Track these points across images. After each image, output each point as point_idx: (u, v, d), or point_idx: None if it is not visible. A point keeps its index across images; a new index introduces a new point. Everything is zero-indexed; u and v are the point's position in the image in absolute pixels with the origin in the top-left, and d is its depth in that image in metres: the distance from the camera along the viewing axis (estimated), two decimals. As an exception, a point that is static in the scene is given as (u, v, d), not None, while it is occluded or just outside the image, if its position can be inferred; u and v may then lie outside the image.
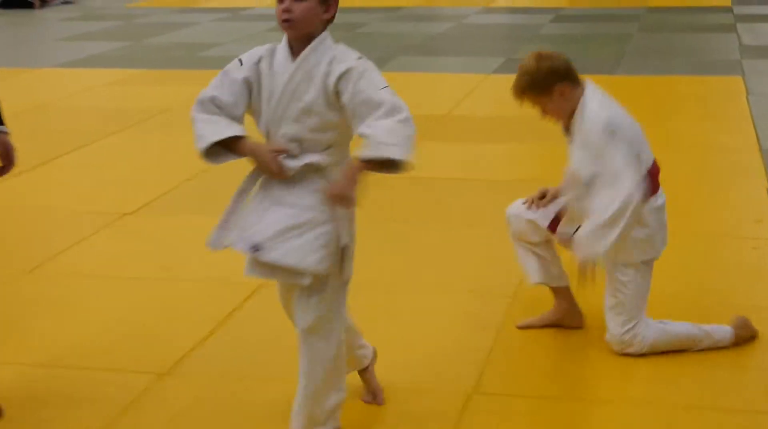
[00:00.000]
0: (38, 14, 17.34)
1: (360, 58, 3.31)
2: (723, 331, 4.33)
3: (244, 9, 17.25)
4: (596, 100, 4.11)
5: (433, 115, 8.69)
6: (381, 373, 3.93)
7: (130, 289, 5.05)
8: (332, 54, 3.33)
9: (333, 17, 3.40)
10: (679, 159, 6.99)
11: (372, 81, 3.24)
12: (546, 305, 4.53)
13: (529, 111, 4.28)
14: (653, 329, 4.23)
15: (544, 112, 4.20)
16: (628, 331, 4.19)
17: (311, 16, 3.31)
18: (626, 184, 3.92)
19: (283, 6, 3.25)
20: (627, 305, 4.18)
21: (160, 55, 12.47)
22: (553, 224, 4.34)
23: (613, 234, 3.91)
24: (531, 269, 4.46)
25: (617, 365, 4.16)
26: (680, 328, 4.29)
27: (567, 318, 4.53)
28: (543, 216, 4.37)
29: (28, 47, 13.84)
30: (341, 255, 3.36)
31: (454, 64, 11.52)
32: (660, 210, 4.20)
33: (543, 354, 4.34)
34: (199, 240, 5.69)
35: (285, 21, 3.26)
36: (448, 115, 8.78)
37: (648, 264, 4.22)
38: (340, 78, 3.24)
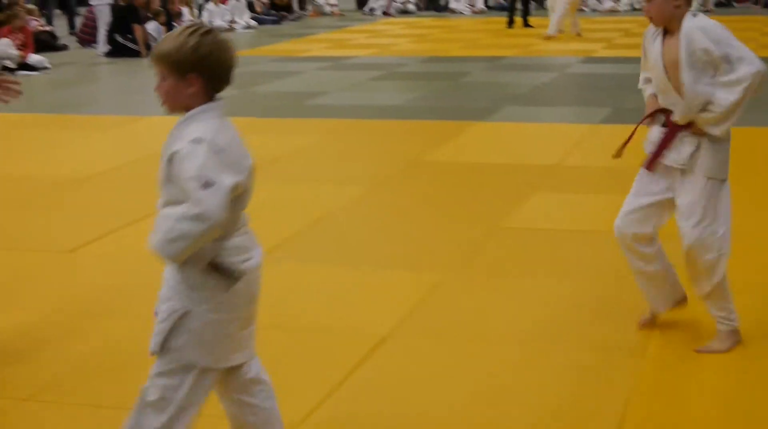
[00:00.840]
0: (144, 63, 17.68)
1: (195, 140, 3.20)
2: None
3: (347, 58, 17.42)
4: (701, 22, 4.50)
5: (543, 166, 8.66)
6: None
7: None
8: (184, 130, 3.27)
9: (206, 90, 3.30)
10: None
11: (186, 168, 3.18)
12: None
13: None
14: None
15: (649, 7, 4.54)
16: (705, 228, 4.55)
17: (174, 94, 3.30)
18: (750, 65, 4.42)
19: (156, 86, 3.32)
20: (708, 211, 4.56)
21: (267, 104, 12.63)
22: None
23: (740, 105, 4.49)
24: (654, 299, 4.92)
25: None
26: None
27: None
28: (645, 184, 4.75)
29: (136, 96, 14.11)
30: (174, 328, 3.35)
31: (561, 114, 11.48)
32: None
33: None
34: (320, 289, 5.77)
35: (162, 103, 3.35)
36: (557, 165, 8.73)
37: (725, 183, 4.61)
38: (170, 158, 3.25)
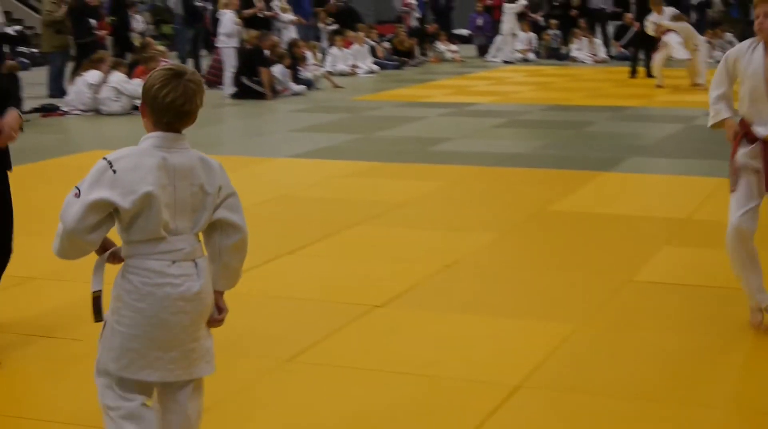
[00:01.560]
0: (270, 105, 17.97)
1: (105, 157, 3.56)
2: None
3: (469, 105, 17.46)
4: None
5: (673, 219, 8.54)
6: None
7: (386, 383, 5.09)
8: None
9: (153, 121, 3.63)
10: None
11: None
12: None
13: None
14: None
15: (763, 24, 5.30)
16: None
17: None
18: None
19: None
20: None
21: (390, 148, 12.70)
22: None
23: None
24: (759, 292, 5.67)
25: None
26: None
27: None
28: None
29: (261, 137, 14.34)
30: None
31: (687, 167, 11.30)
32: None
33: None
34: (451, 337, 5.76)
35: None
36: (688, 219, 8.60)
37: None
38: None
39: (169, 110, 3.56)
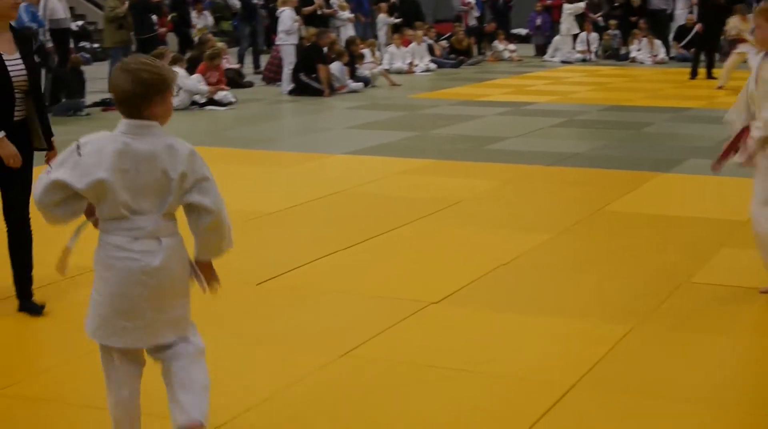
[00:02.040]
0: (327, 102, 18.02)
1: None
2: None
3: (526, 104, 17.40)
4: None
5: (732, 221, 8.46)
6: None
7: (442, 379, 5.10)
8: None
9: (118, 108, 3.97)
10: None
11: None
12: None
13: None
14: None
15: (762, 36, 6.17)
16: None
17: None
18: None
19: None
20: None
21: (446, 146, 12.69)
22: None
23: None
24: None
25: None
26: None
27: None
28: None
29: (318, 134, 14.38)
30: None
31: (749, 169, 11.15)
32: None
33: None
34: (507, 335, 5.76)
35: None
36: (747, 221, 8.47)
37: None
38: None
39: (118, 98, 3.90)
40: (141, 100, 3.84)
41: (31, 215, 5.98)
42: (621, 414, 4.73)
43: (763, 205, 6.47)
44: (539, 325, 5.96)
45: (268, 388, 4.93)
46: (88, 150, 3.84)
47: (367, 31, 25.89)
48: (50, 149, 6.07)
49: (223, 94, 17.09)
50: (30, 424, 4.64)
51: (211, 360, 5.29)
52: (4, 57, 5.90)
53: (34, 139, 6.05)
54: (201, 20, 23.24)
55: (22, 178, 6.01)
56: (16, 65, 5.95)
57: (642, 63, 27.18)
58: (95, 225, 3.98)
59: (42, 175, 3.88)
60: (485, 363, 5.30)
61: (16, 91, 5.93)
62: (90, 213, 3.97)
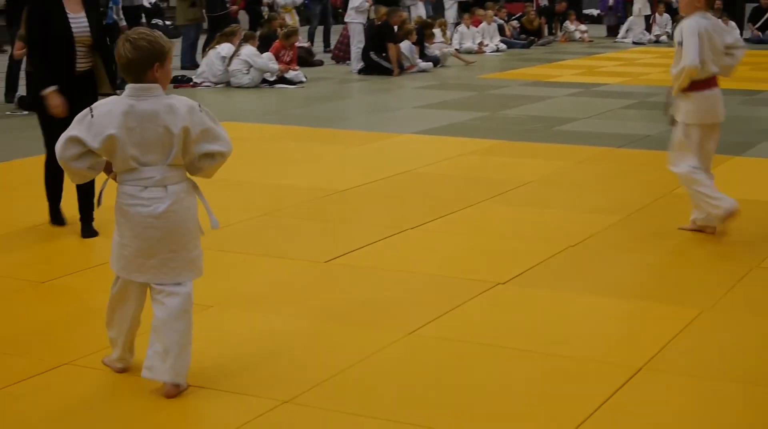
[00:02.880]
0: (396, 81, 18.02)
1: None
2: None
3: (597, 85, 17.27)
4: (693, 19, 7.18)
5: (805, 206, 8.36)
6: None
7: (508, 359, 5.10)
8: None
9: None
10: None
11: None
12: None
13: None
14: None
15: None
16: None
17: None
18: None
19: None
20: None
21: (516, 127, 12.65)
22: None
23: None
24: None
25: None
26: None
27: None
28: None
29: (387, 113, 14.40)
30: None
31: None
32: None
33: None
34: (574, 317, 5.75)
35: None
36: (821, 206, 8.40)
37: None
38: None
39: (120, 67, 4.43)
40: (142, 66, 4.36)
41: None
42: (688, 398, 4.71)
43: None
44: (607, 307, 5.94)
45: (337, 365, 4.97)
46: (99, 112, 4.38)
47: (437, 11, 25.80)
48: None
49: (294, 73, 17.16)
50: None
51: (282, 336, 5.37)
52: (69, 16, 6.91)
53: (102, 86, 7.05)
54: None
55: None
56: (80, 23, 6.96)
57: (715, 44, 26.76)
58: (115, 179, 4.51)
59: (63, 133, 4.42)
60: (552, 344, 5.29)
61: (79, 45, 6.96)
62: (109, 170, 4.53)
